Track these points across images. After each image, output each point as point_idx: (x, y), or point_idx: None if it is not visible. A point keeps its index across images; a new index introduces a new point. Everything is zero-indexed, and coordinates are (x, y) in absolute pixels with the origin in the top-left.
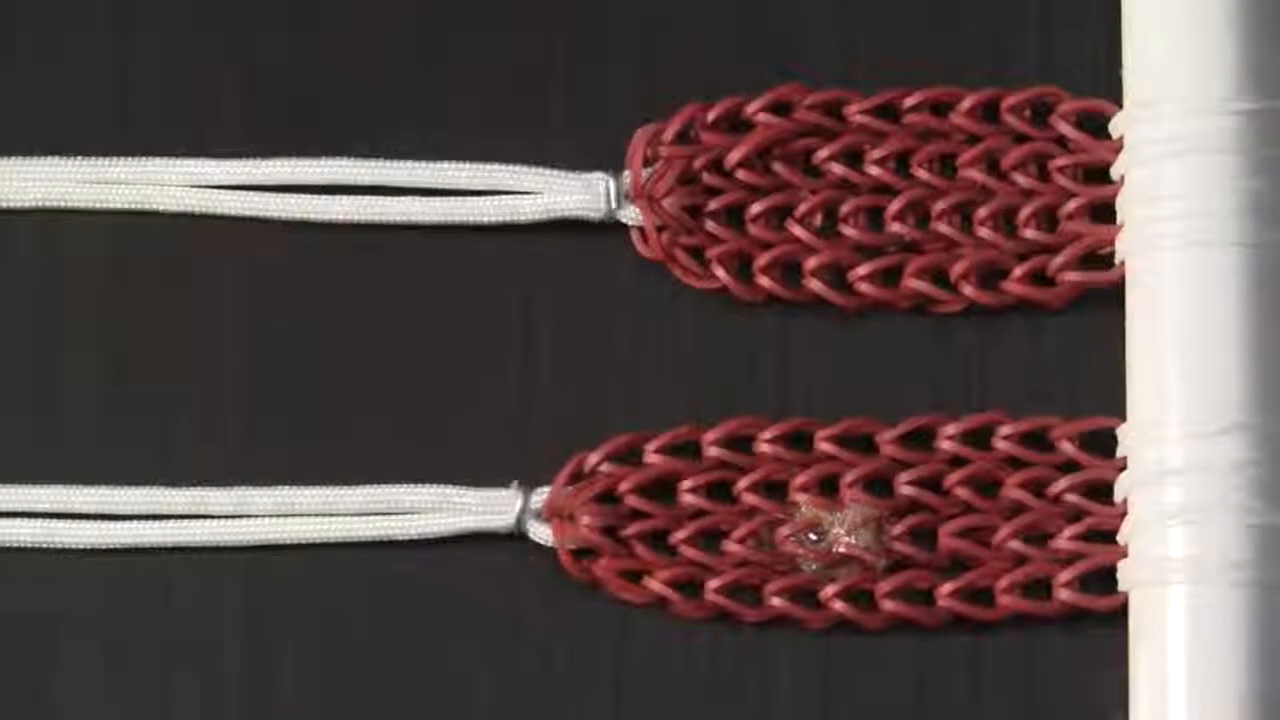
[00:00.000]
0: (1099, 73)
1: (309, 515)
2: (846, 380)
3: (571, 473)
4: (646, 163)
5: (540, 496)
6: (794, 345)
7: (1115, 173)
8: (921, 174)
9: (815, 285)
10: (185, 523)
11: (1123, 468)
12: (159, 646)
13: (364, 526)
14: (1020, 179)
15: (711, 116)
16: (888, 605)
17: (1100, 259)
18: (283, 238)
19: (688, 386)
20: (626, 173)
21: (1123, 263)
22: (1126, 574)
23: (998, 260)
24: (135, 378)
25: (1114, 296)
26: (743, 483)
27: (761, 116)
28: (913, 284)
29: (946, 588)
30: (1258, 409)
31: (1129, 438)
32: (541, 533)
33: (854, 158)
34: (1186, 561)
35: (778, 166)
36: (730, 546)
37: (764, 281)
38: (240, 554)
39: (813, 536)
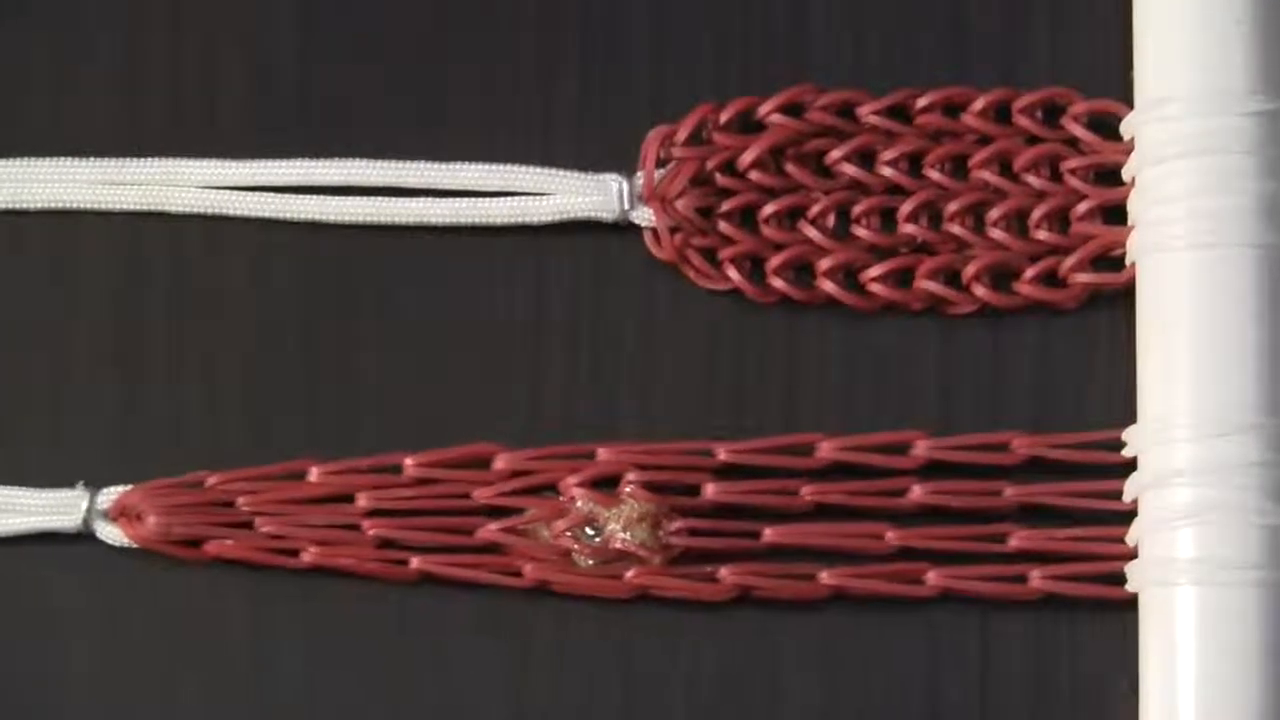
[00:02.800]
0: (1110, 74)
1: None
2: (857, 381)
3: (185, 482)
4: (659, 164)
5: (109, 497)
6: (806, 346)
7: (1126, 174)
8: (933, 175)
9: (827, 286)
10: None
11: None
12: None
13: None
14: (1032, 180)
15: (724, 117)
16: (730, 580)
17: (1111, 260)
18: (295, 239)
19: (700, 387)
20: (639, 174)
21: (1133, 264)
22: (1136, 574)
23: (1009, 261)
24: (146, 377)
25: (1125, 298)
26: (483, 492)
27: (774, 117)
28: (925, 285)
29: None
30: (1267, 410)
31: (1139, 438)
32: (109, 532)
33: (866, 158)
34: (1196, 562)
35: (790, 167)
36: (490, 532)
37: (776, 282)
38: None
39: (589, 531)
